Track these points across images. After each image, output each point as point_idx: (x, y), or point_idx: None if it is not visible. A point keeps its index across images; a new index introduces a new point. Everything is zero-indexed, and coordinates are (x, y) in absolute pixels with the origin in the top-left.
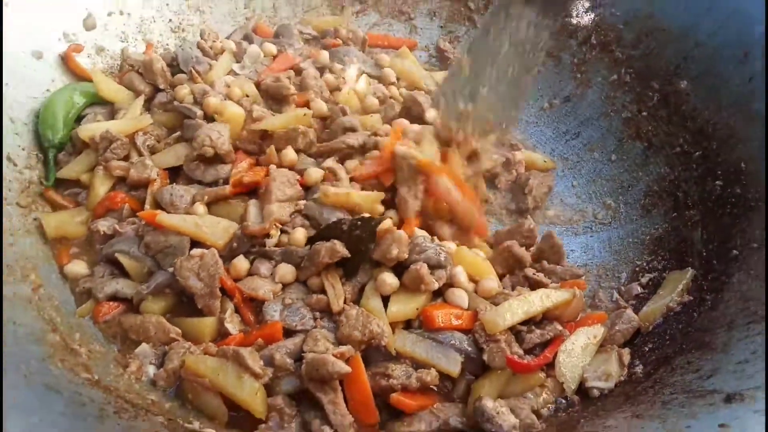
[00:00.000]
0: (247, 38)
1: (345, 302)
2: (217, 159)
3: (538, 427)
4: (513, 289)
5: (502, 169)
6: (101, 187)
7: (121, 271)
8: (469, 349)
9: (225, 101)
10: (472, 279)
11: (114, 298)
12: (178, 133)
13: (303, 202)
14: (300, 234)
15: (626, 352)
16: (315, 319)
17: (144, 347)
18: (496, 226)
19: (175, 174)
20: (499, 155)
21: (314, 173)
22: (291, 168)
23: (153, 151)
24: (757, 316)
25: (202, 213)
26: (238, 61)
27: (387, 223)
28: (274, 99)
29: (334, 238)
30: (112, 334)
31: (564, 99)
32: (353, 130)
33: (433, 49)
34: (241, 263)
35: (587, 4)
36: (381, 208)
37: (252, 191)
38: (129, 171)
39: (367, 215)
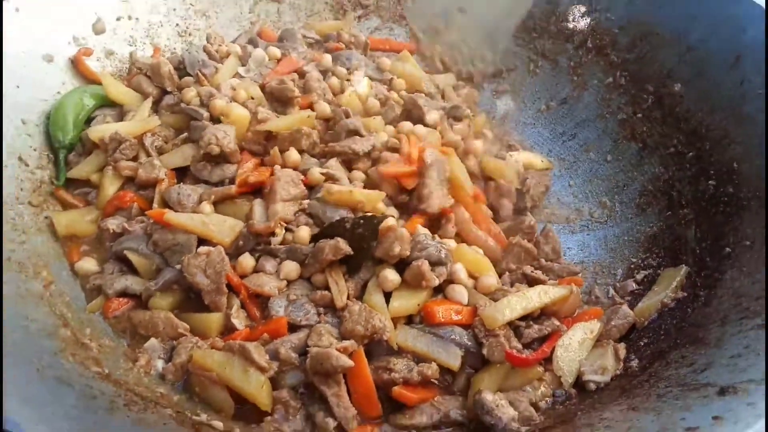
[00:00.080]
0: (252, 42)
1: (348, 298)
2: (223, 159)
3: (537, 420)
4: (512, 285)
5: None
6: (110, 186)
7: (130, 268)
8: (469, 343)
9: (231, 103)
10: (471, 275)
11: (123, 294)
12: (185, 135)
13: (307, 201)
14: (304, 232)
15: (622, 347)
16: (319, 314)
17: (153, 342)
18: None
19: (182, 174)
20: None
21: (317, 173)
22: (295, 168)
23: (161, 152)
24: (749, 312)
25: (208, 212)
26: (243, 65)
27: (389, 221)
28: (279, 101)
29: (337, 236)
30: (121, 329)
31: (561, 101)
32: (356, 131)
33: None
34: (247, 260)
35: (583, 9)
36: (383, 207)
37: (257, 191)
38: (137, 171)
39: (369, 213)
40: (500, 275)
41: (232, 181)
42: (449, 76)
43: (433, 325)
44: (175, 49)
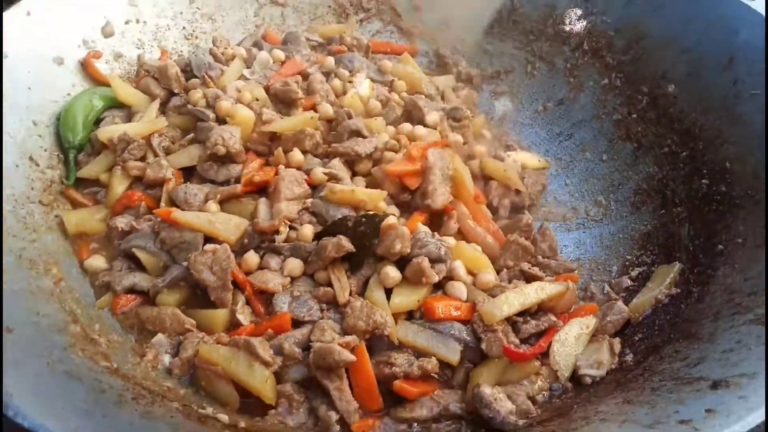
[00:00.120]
0: (257, 45)
1: (350, 294)
2: (229, 159)
3: (534, 413)
4: (509, 282)
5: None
6: (119, 186)
7: (138, 266)
8: (468, 338)
9: (236, 105)
10: (470, 272)
11: (131, 290)
12: (191, 135)
13: (310, 200)
14: (307, 230)
15: (617, 342)
16: (322, 310)
17: (160, 337)
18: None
19: (189, 174)
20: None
21: (321, 173)
22: (298, 168)
23: (168, 152)
24: (741, 308)
25: (214, 210)
26: (248, 67)
27: (390, 220)
28: (283, 102)
29: (339, 233)
30: (129, 324)
31: (558, 102)
32: (358, 132)
33: (433, 54)
34: (252, 258)
35: (580, 12)
36: (384, 205)
37: (262, 190)
38: (145, 171)
39: (371, 212)
40: (498, 272)
41: (237, 181)
42: (449, 77)
43: (432, 320)
44: (181, 51)
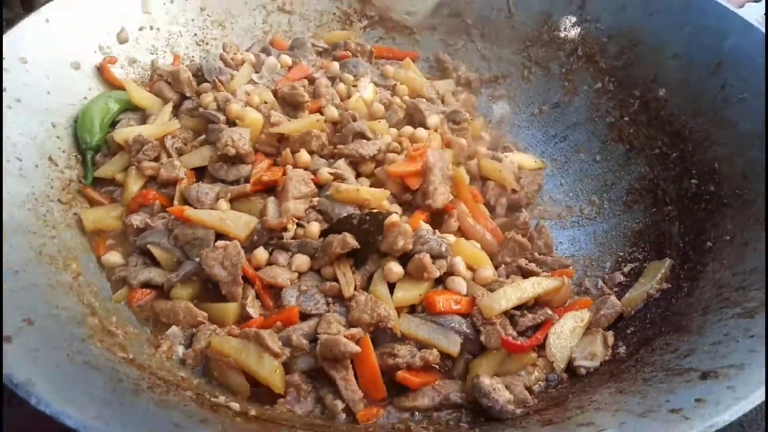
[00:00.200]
0: (265, 51)
1: (355, 289)
2: (239, 160)
3: (531, 402)
4: (507, 277)
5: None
6: (134, 185)
7: (152, 261)
8: (468, 331)
9: (245, 108)
10: (470, 268)
11: (146, 285)
12: (203, 137)
13: (317, 198)
14: (314, 227)
15: (610, 335)
16: (328, 304)
17: (174, 329)
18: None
19: (200, 173)
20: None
21: (326, 173)
22: (305, 168)
23: (180, 153)
24: (729, 302)
25: (225, 208)
26: (256, 72)
27: (393, 218)
28: (290, 105)
29: (345, 231)
30: (145, 317)
31: (553, 105)
32: (362, 134)
33: (433, 60)
34: (261, 254)
35: (574, 19)
36: (388, 204)
37: (270, 189)
38: (159, 171)
39: (375, 210)
40: (496, 268)
41: (247, 180)
42: (449, 82)
43: (434, 314)
44: (193, 57)
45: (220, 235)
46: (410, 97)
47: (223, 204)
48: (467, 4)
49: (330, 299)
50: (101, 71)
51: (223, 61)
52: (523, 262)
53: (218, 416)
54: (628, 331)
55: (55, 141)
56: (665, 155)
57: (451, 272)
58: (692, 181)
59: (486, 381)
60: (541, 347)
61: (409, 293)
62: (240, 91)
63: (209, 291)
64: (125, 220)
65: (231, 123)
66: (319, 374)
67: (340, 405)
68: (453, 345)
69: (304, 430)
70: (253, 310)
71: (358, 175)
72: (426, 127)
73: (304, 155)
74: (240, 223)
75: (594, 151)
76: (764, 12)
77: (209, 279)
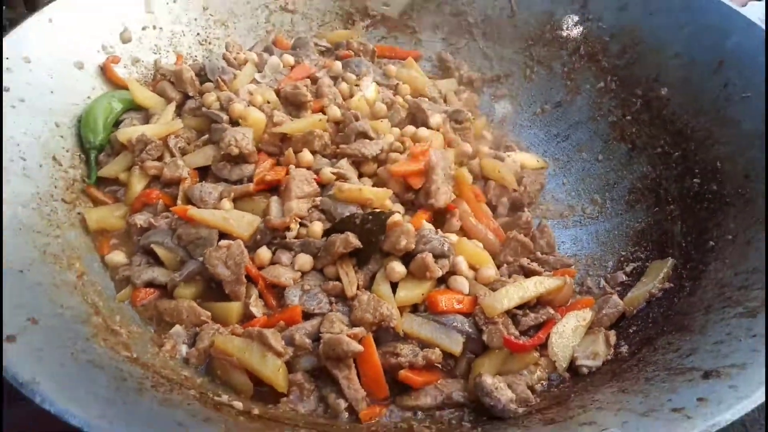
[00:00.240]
0: (268, 50)
1: (358, 288)
2: (242, 159)
3: (533, 401)
4: (509, 276)
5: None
6: (138, 184)
7: (156, 261)
8: (470, 330)
9: (248, 107)
10: (472, 267)
11: (150, 284)
12: (206, 136)
13: (319, 198)
14: (317, 227)
15: (612, 334)
16: (331, 303)
17: (177, 329)
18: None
19: (204, 173)
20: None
21: (329, 172)
22: (308, 168)
23: (184, 153)
24: (731, 301)
25: (228, 208)
26: (259, 71)
27: (396, 217)
28: (293, 105)
29: (347, 230)
30: (148, 316)
31: (555, 104)
32: (365, 133)
33: (436, 59)
34: (264, 253)
35: (576, 19)
36: (390, 203)
37: (273, 188)
38: (163, 170)
39: (377, 210)
40: (499, 267)
41: (250, 180)
42: (451, 81)
43: (436, 313)
44: (196, 56)
45: (223, 235)
46: (412, 97)
47: (227, 203)
48: (469, 3)
49: (333, 298)
50: (104, 71)
51: (225, 61)
52: (525, 261)
53: (221, 415)
54: (631, 331)
55: (59, 140)
56: (667, 154)
57: (453, 272)
58: (694, 180)
59: (488, 380)
60: (543, 346)
61: (411, 293)
62: (243, 90)
63: (212, 290)
64: (129, 220)
65: (234, 122)
66: (322, 373)
67: (342, 404)
68: (455, 344)
69: (307, 429)
70: (256, 309)
71: (360, 175)
72: (428, 127)
73: (306, 155)
74: (243, 222)
75: (596, 151)
76: (766, 10)
77: (212, 278)
